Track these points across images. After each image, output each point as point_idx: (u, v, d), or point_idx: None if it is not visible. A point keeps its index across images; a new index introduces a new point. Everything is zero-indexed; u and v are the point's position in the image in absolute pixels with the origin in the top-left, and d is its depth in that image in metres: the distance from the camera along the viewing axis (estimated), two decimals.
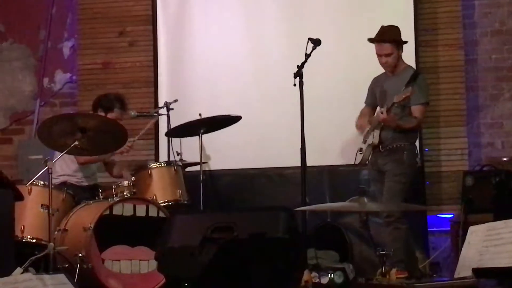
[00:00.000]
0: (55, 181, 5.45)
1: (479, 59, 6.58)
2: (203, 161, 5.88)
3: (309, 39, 5.02)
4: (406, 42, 5.46)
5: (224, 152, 6.49)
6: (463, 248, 3.99)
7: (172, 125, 5.98)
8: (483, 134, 6.55)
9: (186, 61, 6.76)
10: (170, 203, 5.54)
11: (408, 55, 6.32)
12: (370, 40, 5.42)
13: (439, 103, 6.51)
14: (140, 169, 5.65)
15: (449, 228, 6.03)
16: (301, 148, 4.88)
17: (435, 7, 6.57)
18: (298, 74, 4.90)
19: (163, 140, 6.31)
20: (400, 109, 5.29)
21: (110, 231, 5.08)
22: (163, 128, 6.28)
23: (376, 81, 5.50)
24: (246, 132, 6.43)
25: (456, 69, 6.52)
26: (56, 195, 5.22)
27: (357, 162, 5.48)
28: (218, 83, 6.66)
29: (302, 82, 4.88)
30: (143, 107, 6.57)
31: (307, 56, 4.97)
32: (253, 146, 6.51)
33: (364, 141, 5.42)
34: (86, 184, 5.78)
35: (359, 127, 5.52)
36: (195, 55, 6.74)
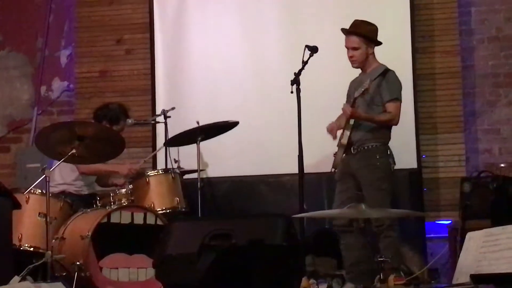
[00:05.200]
0: (54, 189, 5.46)
1: (476, 66, 6.60)
2: (200, 168, 5.88)
3: (306, 46, 5.02)
4: (379, 42, 5.32)
5: (221, 160, 6.49)
6: (461, 254, 4.00)
7: (170, 133, 5.98)
8: (481, 140, 6.56)
9: (184, 69, 6.77)
10: (168, 211, 5.54)
11: (405, 62, 6.38)
12: (342, 30, 5.33)
13: (436, 110, 6.52)
14: (137, 177, 5.64)
15: (447, 234, 6.03)
16: (298, 155, 4.88)
17: (431, 13, 6.59)
18: (295, 81, 4.90)
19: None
20: (366, 107, 5.17)
21: (108, 239, 5.07)
22: (160, 136, 6.29)
23: (352, 83, 5.41)
24: (244, 140, 6.44)
25: (453, 76, 6.53)
26: (53, 203, 5.22)
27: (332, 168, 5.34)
28: (215, 90, 6.66)
29: (299, 89, 4.88)
30: (140, 115, 6.57)
31: (304, 63, 4.97)
32: (250, 153, 6.51)
33: (337, 145, 5.29)
34: (85, 193, 5.78)
35: (330, 130, 5.32)
36: (192, 62, 6.74)
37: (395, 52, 6.42)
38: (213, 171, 6.52)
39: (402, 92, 6.31)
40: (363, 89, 5.04)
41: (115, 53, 6.98)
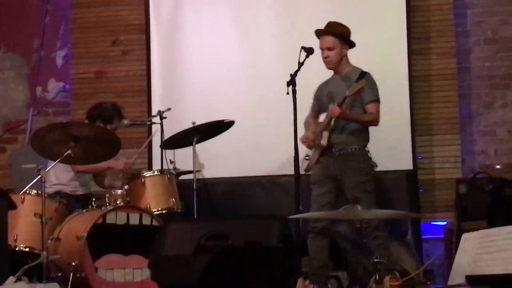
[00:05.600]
0: (49, 190, 5.45)
1: (472, 67, 6.61)
2: (196, 169, 5.87)
3: (302, 47, 5.02)
4: (353, 44, 5.29)
5: (217, 161, 6.49)
6: (456, 256, 3.99)
7: (166, 133, 5.98)
8: (476, 141, 6.57)
9: (179, 70, 6.77)
10: (164, 212, 5.54)
11: (401, 63, 6.38)
12: (316, 32, 5.30)
13: (432, 111, 6.53)
14: (133, 178, 5.64)
15: (442, 236, 6.03)
16: (294, 156, 4.88)
17: (428, 15, 6.60)
18: (291, 82, 4.89)
19: (156, 148, 6.31)
20: (346, 108, 5.14)
21: (104, 239, 5.07)
22: (156, 137, 6.27)
23: (322, 87, 5.36)
24: (240, 141, 6.43)
25: (449, 77, 6.54)
26: (49, 204, 5.22)
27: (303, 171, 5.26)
28: (211, 91, 6.66)
29: (295, 90, 4.87)
30: (136, 116, 6.56)
31: (300, 64, 4.96)
32: (246, 154, 6.50)
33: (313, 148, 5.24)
34: (80, 193, 5.77)
35: (304, 140, 5.23)
36: (188, 63, 6.74)
37: (391, 53, 6.45)
38: (209, 172, 6.51)
39: (398, 93, 6.37)
40: (356, 89, 5.01)
41: (111, 54, 6.97)
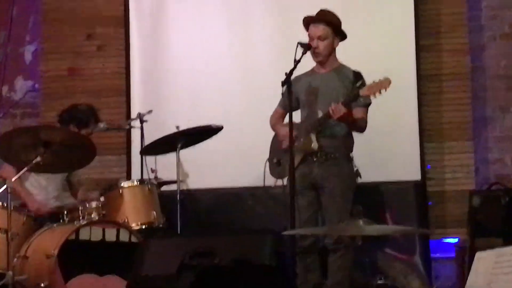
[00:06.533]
0: (15, 202, 5.43)
1: (487, 66, 6.63)
2: (180, 179, 5.86)
3: (299, 43, 5.01)
4: (344, 35, 5.24)
5: (204, 169, 6.50)
6: (469, 276, 4.00)
7: (146, 139, 5.97)
8: (492, 149, 6.59)
9: (163, 68, 6.78)
10: (144, 227, 5.53)
11: (408, 61, 6.40)
12: (305, 20, 5.23)
13: (443, 115, 6.55)
14: (110, 189, 5.63)
15: (454, 254, 6.05)
16: (289, 164, 4.88)
17: (438, 8, 6.63)
18: (287, 82, 4.89)
19: (136, 155, 6.32)
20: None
21: (76, 258, 5.06)
22: (136, 142, 6.29)
23: (300, 81, 5.22)
24: (229, 147, 6.46)
25: (462, 77, 6.57)
26: (15, 217, 5.18)
27: (271, 176, 5.26)
28: (198, 92, 6.67)
29: (291, 91, 4.88)
30: (113, 119, 6.57)
31: (297, 62, 4.95)
32: (236, 162, 6.52)
33: (285, 150, 5.10)
34: (51, 206, 5.76)
35: (283, 136, 5.17)
36: (173, 60, 6.75)
37: (397, 50, 6.47)
38: (194, 182, 6.52)
39: (404, 95, 6.39)
40: (380, 86, 4.84)
41: (85, 50, 6.97)
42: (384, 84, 4.91)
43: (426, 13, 6.59)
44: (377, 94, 4.94)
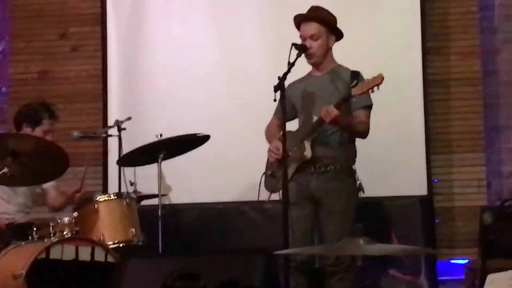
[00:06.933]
0: None
1: (500, 71, 6.65)
2: (162, 192, 5.85)
3: (293, 44, 5.02)
4: (341, 34, 5.21)
5: (188, 182, 6.52)
6: None
7: (125, 148, 5.96)
8: (505, 161, 6.60)
9: (143, 70, 6.79)
10: (121, 245, 5.50)
11: (414, 65, 6.42)
12: (296, 18, 5.20)
13: (452, 124, 6.57)
14: (84, 203, 5.62)
15: (463, 277, 6.05)
16: (283, 177, 4.88)
17: (446, 7, 6.66)
18: (280, 87, 4.89)
19: (113, 166, 6.32)
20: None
21: (47, 278, 5.03)
22: (113, 152, 6.30)
23: (295, 86, 5.23)
24: (216, 159, 6.47)
25: (472, 83, 6.59)
26: None
27: (265, 189, 5.23)
28: (182, 97, 6.69)
29: (285, 96, 4.88)
30: (89, 126, 6.59)
31: (291, 65, 4.96)
32: (225, 174, 6.53)
33: (279, 163, 5.06)
34: (19, 221, 5.74)
35: (276, 149, 5.11)
36: (155, 62, 6.77)
37: (402, 53, 6.49)
38: (178, 196, 6.52)
39: (410, 102, 6.39)
40: (372, 84, 4.83)
41: (58, 50, 6.98)
42: (376, 80, 4.89)
43: (433, 12, 6.62)
44: (370, 91, 4.92)
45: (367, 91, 4.93)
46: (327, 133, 5.14)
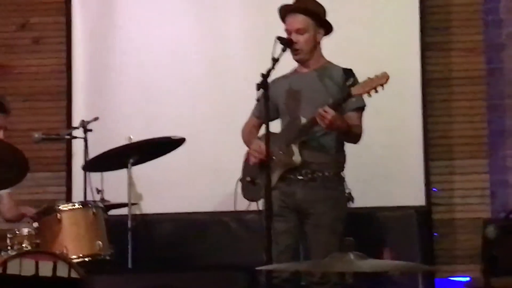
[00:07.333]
0: None
1: (506, 69, 6.67)
2: (132, 201, 5.88)
3: (278, 38, 5.00)
4: (330, 27, 5.18)
5: (161, 190, 6.51)
6: None
7: (91, 152, 5.96)
8: (511, 169, 6.62)
9: (113, 66, 6.79)
10: (87, 259, 5.48)
11: (411, 62, 6.43)
12: (281, 10, 5.17)
13: (453, 127, 6.59)
14: (45, 213, 5.59)
15: None
16: (266, 184, 4.88)
17: None
18: (263, 85, 4.89)
19: (78, 172, 6.30)
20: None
21: None
22: (78, 156, 6.28)
23: (279, 83, 5.20)
24: (192, 164, 6.48)
25: (476, 82, 6.61)
26: None
27: (244, 198, 5.21)
28: (156, 96, 6.69)
29: (268, 95, 4.88)
30: (51, 128, 6.55)
31: (275, 61, 4.95)
32: (202, 182, 6.53)
33: (261, 168, 5.04)
34: None
35: (260, 151, 5.05)
36: (126, 57, 6.76)
37: (399, 49, 6.50)
38: (149, 206, 6.52)
39: (407, 103, 6.40)
40: (377, 83, 4.80)
41: (18, 43, 6.96)
42: (380, 80, 4.86)
43: (433, 4, 6.63)
44: (372, 92, 4.89)
45: (369, 91, 4.90)
46: (316, 136, 5.13)
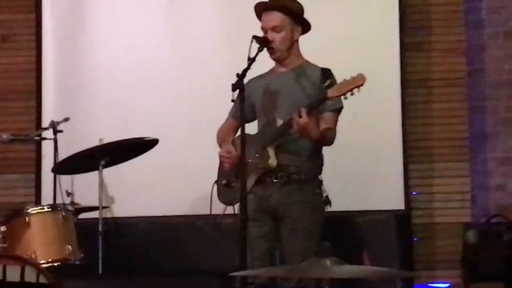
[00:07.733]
0: None
1: (488, 70, 6.67)
2: (104, 204, 5.86)
3: (254, 37, 4.99)
4: (308, 25, 5.15)
5: (134, 193, 6.49)
6: None
7: (61, 153, 5.92)
8: (492, 172, 6.62)
9: (84, 65, 6.76)
10: (56, 264, 5.47)
11: (390, 63, 6.43)
12: (257, 7, 5.14)
13: (433, 129, 6.59)
14: (13, 216, 5.55)
15: None
16: (241, 188, 4.85)
17: None
18: (238, 85, 4.87)
19: (47, 175, 6.28)
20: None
21: None
22: (48, 158, 6.26)
23: (255, 84, 5.18)
24: (166, 167, 6.46)
25: (456, 83, 6.62)
26: None
27: (219, 202, 5.18)
28: (128, 96, 6.67)
29: (244, 96, 4.85)
30: (20, 128, 6.55)
31: (251, 60, 4.93)
32: (176, 184, 6.51)
33: (236, 171, 5.04)
34: None
35: (233, 157, 5.05)
36: (98, 56, 6.74)
37: (377, 49, 6.51)
38: (121, 209, 6.50)
39: (385, 104, 6.40)
40: (355, 84, 4.79)
41: None
42: (357, 82, 4.84)
43: (412, 3, 6.63)
44: (348, 94, 4.87)
45: (345, 94, 4.88)
46: (293, 139, 5.10)
